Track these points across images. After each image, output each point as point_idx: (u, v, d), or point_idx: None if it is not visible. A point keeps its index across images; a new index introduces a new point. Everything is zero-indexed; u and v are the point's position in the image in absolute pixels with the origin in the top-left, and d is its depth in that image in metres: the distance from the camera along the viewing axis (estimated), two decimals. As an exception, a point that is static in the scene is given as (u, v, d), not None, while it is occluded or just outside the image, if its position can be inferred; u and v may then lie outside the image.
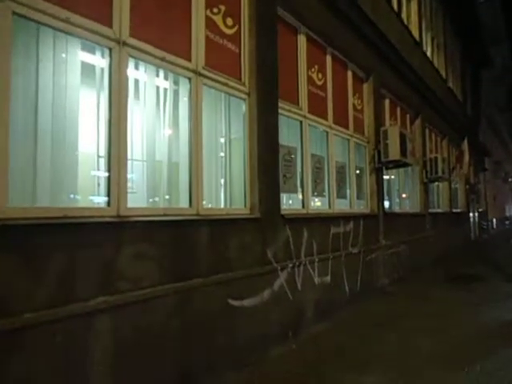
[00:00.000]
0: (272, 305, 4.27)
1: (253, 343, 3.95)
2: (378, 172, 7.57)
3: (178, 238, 3.28)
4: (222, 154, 4.57)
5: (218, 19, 4.03)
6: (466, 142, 13.95)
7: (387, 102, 8.74)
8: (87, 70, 3.23)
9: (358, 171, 7.15)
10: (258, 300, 4.08)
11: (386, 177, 8.36)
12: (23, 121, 2.72)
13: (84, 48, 3.12)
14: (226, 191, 4.52)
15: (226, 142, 4.63)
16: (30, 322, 2.26)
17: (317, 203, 6.09)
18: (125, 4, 3.06)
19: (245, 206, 4.26)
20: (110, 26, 2.96)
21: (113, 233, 2.80)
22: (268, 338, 4.17)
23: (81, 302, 2.52)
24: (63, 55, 2.95)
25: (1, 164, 2.29)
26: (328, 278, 5.49)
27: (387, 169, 8.05)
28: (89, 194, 3.25)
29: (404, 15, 9.87)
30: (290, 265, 4.66)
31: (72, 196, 2.99)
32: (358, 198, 7.02)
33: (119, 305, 2.73)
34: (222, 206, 4.49)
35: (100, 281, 2.65)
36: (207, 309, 3.46)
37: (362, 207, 7.28)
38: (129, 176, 3.09)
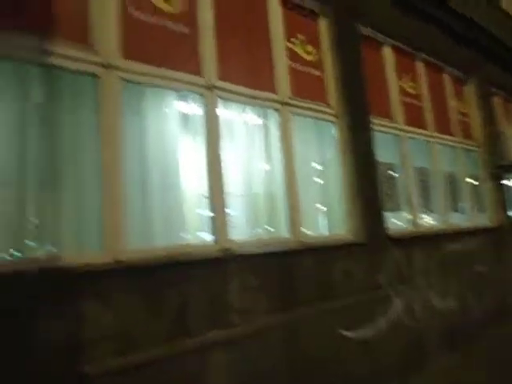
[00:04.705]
0: (388, 335, 3.92)
1: (368, 378, 3.63)
2: (496, 178, 6.68)
3: (282, 268, 3.25)
4: (318, 180, 4.50)
5: (298, 48, 4.10)
6: None
7: (496, 99, 7.80)
8: (183, 116, 3.52)
9: (471, 180, 6.40)
10: (372, 329, 3.79)
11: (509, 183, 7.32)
12: (134, 171, 3.03)
13: (179, 98, 3.42)
14: (325, 217, 4.41)
15: (320, 167, 4.56)
16: (150, 358, 2.40)
17: (427, 220, 5.57)
18: (211, 52, 3.29)
19: (347, 230, 4.08)
20: (200, 74, 3.21)
21: (220, 267, 2.90)
22: (386, 373, 3.80)
23: (194, 337, 2.61)
24: (162, 108, 3.27)
25: (120, 211, 2.57)
26: (449, 302, 4.88)
27: (508, 173, 7.06)
28: (195, 230, 3.45)
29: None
30: (404, 289, 4.26)
31: (181, 234, 3.20)
32: (475, 209, 6.24)
33: (230, 338, 2.77)
34: (323, 232, 4.37)
35: (211, 315, 2.74)
36: (317, 339, 3.31)
37: (481, 220, 6.45)
38: (229, 211, 3.21)
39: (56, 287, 2.21)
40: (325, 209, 4.38)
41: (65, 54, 2.54)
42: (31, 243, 2.40)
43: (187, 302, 2.65)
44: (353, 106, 4.31)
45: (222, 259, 2.94)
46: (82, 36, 2.65)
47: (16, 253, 2.33)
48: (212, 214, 3.10)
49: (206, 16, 3.32)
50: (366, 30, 4.99)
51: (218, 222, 3.07)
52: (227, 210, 3.17)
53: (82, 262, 2.33)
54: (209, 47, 3.28)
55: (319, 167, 4.54)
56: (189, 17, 3.23)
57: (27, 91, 2.58)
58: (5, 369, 1.99)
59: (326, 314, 3.43)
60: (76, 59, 2.59)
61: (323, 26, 4.41)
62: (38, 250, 2.41)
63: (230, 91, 3.38)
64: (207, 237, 3.17)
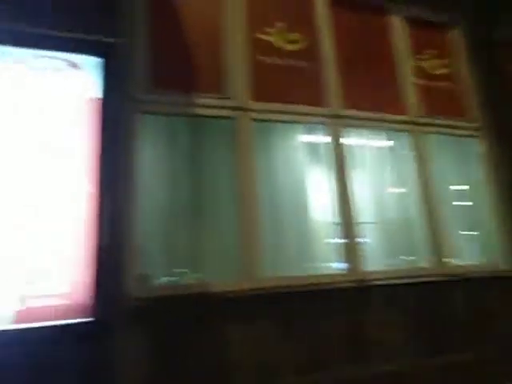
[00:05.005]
0: None
1: None
2: None
3: (425, 302, 2.96)
4: (462, 202, 4.03)
5: (426, 64, 3.86)
6: None
7: None
8: (311, 147, 3.61)
9: None
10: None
11: None
12: (267, 203, 3.20)
13: (306, 130, 3.53)
14: (474, 244, 3.88)
15: (463, 188, 4.09)
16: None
17: None
18: (334, 82, 3.35)
19: (504, 259, 3.51)
20: (325, 104, 3.28)
21: (354, 298, 2.79)
22: None
23: (327, 371, 2.53)
24: (290, 141, 3.42)
25: (256, 241, 2.74)
26: None
27: None
28: (328, 260, 3.42)
29: None
30: None
31: (313, 263, 3.20)
32: None
33: (368, 376, 2.59)
34: (472, 261, 3.84)
35: (346, 349, 2.62)
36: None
37: None
38: (362, 239, 3.11)
39: (204, 311, 2.44)
40: (473, 234, 3.87)
41: (204, 103, 2.92)
42: (183, 270, 2.72)
43: (321, 333, 2.61)
44: (501, 116, 3.81)
45: (357, 290, 2.83)
46: (218, 85, 3.01)
47: (171, 278, 2.67)
48: (344, 243, 3.04)
49: (328, 48, 3.42)
50: (508, 33, 4.42)
51: (351, 251, 3.00)
52: (360, 239, 3.08)
53: (224, 289, 2.53)
54: (332, 78, 3.36)
55: (462, 188, 4.07)
56: (311, 52, 3.38)
57: (175, 139, 3.01)
58: (164, 384, 2.24)
59: (486, 360, 2.95)
60: (214, 106, 2.95)
61: (455, 36, 4.09)
62: (189, 277, 2.72)
63: (356, 118, 3.36)
64: (340, 266, 3.11)
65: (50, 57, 2.60)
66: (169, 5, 3.04)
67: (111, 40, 2.64)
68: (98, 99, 2.61)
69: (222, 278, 2.65)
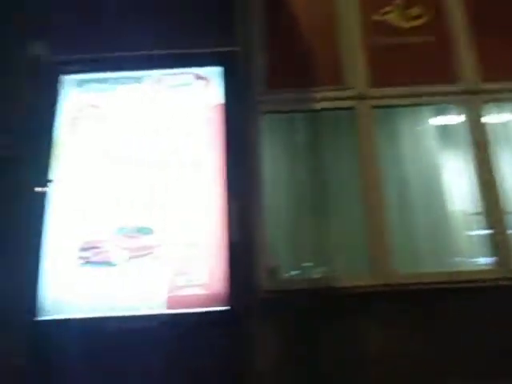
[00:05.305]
0: None
1: None
2: None
3: None
4: None
5: None
6: None
7: None
8: (442, 130, 3.25)
9: None
10: None
11: None
12: (395, 193, 2.99)
13: (435, 111, 3.19)
14: None
15: None
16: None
17: None
18: (469, 54, 2.96)
19: None
20: (459, 81, 2.93)
21: (509, 298, 2.42)
22: None
23: (477, 380, 2.24)
24: (417, 125, 3.16)
25: (385, 234, 2.61)
26: None
27: None
28: (470, 254, 3.03)
29: None
30: None
31: (451, 258, 2.88)
32: None
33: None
34: None
35: (503, 358, 2.31)
36: None
37: None
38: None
39: (333, 306, 2.43)
40: None
41: (323, 96, 2.91)
42: (309, 264, 2.75)
43: (469, 337, 2.34)
44: None
45: (508, 288, 2.45)
46: (335, 76, 2.96)
47: (297, 271, 2.73)
48: (490, 235, 2.68)
49: (456, 17, 3.04)
50: None
51: (500, 244, 2.63)
52: (510, 230, 2.65)
53: (352, 284, 2.48)
54: (465, 50, 2.97)
55: None
56: (436, 25, 3.05)
57: (296, 135, 3.06)
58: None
59: None
60: (333, 98, 2.92)
61: None
62: (315, 271, 2.74)
63: (499, 91, 2.90)
64: (486, 261, 2.73)
65: (180, 73, 2.92)
66: (281, 2, 3.09)
67: (231, 48, 2.82)
68: (222, 105, 2.82)
69: (348, 273, 2.59)
